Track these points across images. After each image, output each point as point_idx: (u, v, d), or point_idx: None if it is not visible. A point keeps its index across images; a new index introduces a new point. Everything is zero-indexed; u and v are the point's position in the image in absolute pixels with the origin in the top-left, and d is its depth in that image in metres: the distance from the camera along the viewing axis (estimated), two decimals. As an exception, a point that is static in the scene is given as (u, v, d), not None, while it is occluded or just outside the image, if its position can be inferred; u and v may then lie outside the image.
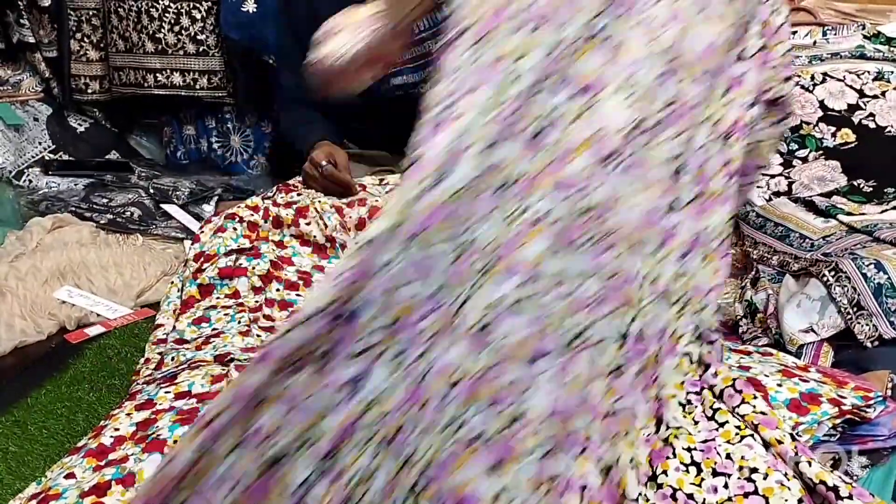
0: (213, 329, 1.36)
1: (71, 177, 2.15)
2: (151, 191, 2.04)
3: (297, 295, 1.49)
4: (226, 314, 1.40)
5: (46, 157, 2.21)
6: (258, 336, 1.33)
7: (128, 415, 1.10)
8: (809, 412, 0.98)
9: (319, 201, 1.61)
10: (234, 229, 1.56)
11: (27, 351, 1.44)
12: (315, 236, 1.57)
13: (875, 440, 0.99)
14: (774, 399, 0.99)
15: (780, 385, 1.02)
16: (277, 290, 1.48)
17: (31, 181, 2.13)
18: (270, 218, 1.59)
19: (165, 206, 1.99)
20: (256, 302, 1.43)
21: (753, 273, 1.46)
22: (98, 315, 1.54)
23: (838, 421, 1.00)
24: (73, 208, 1.94)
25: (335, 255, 1.57)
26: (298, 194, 1.65)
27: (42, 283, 1.58)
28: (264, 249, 1.52)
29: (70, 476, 0.99)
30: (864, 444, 0.99)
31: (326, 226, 1.58)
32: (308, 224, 1.58)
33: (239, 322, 1.37)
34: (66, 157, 2.24)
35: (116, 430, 1.07)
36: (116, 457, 1.02)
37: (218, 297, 1.44)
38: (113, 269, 1.65)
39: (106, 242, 1.81)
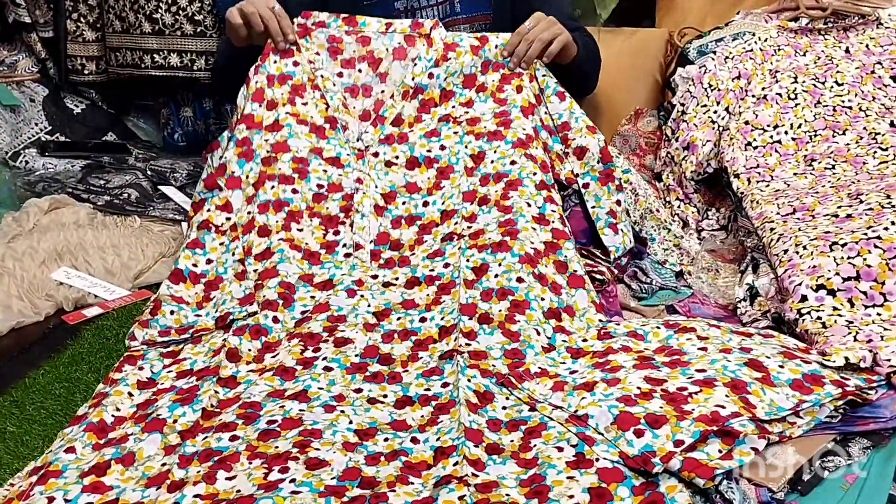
0: (208, 260, 1.33)
1: (68, 158, 2.13)
2: (149, 172, 2.03)
3: (293, 191, 1.41)
4: (221, 243, 1.35)
5: (43, 139, 2.20)
6: (255, 271, 1.30)
7: (130, 395, 1.09)
8: (812, 392, 0.98)
9: (322, 76, 1.51)
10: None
11: (25, 332, 1.43)
12: (312, 117, 1.48)
13: (877, 422, 0.99)
14: (777, 379, 0.99)
15: (781, 366, 1.02)
16: (272, 187, 1.40)
17: (27, 162, 2.11)
18: (265, 102, 1.48)
19: (163, 188, 1.98)
20: (249, 213, 1.37)
21: (752, 259, 1.46)
22: (96, 296, 1.53)
23: (840, 403, 1.00)
24: (70, 190, 1.93)
25: (334, 136, 1.48)
26: (295, 63, 1.52)
27: (39, 265, 1.57)
28: (256, 143, 1.43)
29: (70, 450, 0.99)
30: (865, 425, 0.99)
31: (328, 106, 1.49)
32: (305, 104, 1.48)
33: (233, 254, 1.33)
34: (62, 139, 2.23)
35: (118, 409, 1.07)
36: (116, 436, 1.02)
37: (209, 210, 1.40)
38: (110, 250, 1.65)
39: (103, 224, 1.80)
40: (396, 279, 1.31)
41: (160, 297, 1.28)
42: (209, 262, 1.33)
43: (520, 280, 1.24)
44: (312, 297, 1.25)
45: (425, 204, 1.42)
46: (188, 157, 2.16)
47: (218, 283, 1.30)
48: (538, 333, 1.19)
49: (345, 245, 1.34)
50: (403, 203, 1.42)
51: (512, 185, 1.39)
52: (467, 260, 1.29)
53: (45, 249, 1.61)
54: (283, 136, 1.43)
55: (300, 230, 1.36)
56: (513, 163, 1.42)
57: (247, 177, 1.40)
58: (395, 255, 1.34)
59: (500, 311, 1.20)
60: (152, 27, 2.13)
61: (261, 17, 1.52)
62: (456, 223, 1.37)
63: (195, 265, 1.32)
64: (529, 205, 1.36)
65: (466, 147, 1.46)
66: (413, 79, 1.52)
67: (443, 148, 1.47)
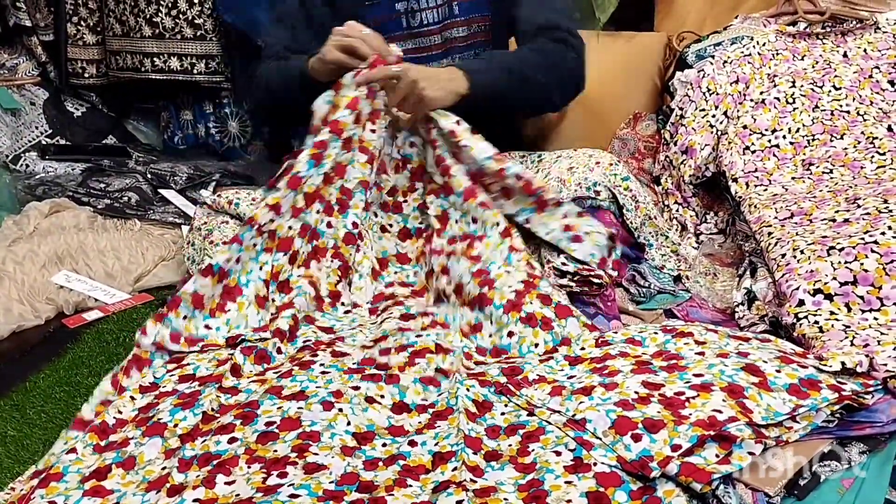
0: (237, 259, 1.28)
1: (68, 161, 2.14)
2: (149, 176, 2.03)
3: (328, 225, 1.37)
4: (253, 245, 1.30)
5: (43, 142, 2.21)
6: (273, 301, 1.29)
7: (132, 398, 1.10)
8: (809, 397, 0.98)
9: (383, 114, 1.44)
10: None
11: (25, 335, 1.44)
12: (374, 146, 1.42)
13: (873, 426, 1.00)
14: (773, 383, 1.00)
15: (778, 371, 1.02)
16: (317, 212, 1.36)
17: (27, 166, 2.12)
18: (355, 113, 1.39)
19: (163, 192, 1.99)
20: (290, 229, 1.32)
21: (749, 264, 1.47)
22: (96, 300, 1.54)
23: (836, 407, 1.00)
24: (71, 193, 1.94)
25: (371, 171, 1.41)
26: (381, 87, 1.43)
27: (40, 268, 1.58)
28: (328, 152, 1.36)
29: (71, 451, 1.00)
30: (861, 430, 1.00)
31: (374, 145, 1.44)
32: (373, 132, 1.42)
33: (261, 268, 1.30)
34: (62, 142, 2.24)
35: (120, 412, 1.07)
36: (117, 439, 1.02)
37: (263, 203, 1.32)
38: (111, 253, 1.65)
39: (104, 227, 1.81)
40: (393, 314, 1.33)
41: (182, 295, 1.25)
42: (237, 261, 1.29)
43: (510, 334, 1.24)
44: (314, 332, 1.27)
45: (415, 273, 1.43)
46: (188, 161, 2.17)
47: (236, 295, 1.28)
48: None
49: (343, 304, 1.35)
50: (395, 273, 1.44)
51: (479, 238, 1.38)
52: (462, 317, 1.30)
53: (45, 253, 1.62)
54: (347, 158, 1.39)
55: (319, 269, 1.34)
56: (474, 220, 1.40)
57: (305, 181, 1.35)
58: (391, 303, 1.36)
59: (495, 376, 1.18)
60: (152, 31, 2.14)
61: (364, 41, 1.44)
62: (436, 278, 1.37)
63: (228, 260, 1.28)
64: (496, 254, 1.35)
65: (430, 206, 1.44)
66: (398, 151, 1.48)
67: (424, 212, 1.46)
